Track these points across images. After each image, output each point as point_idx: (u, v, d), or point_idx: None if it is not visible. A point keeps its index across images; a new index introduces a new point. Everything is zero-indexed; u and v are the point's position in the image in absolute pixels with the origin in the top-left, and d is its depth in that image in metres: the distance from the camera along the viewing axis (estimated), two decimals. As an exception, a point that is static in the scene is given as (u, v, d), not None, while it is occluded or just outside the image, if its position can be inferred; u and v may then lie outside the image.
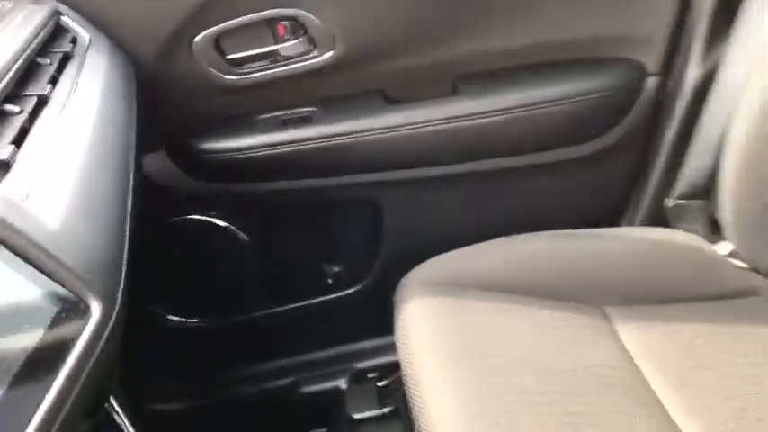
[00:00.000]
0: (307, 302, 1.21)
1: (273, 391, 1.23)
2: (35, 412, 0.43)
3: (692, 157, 1.04)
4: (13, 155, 0.55)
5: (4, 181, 0.52)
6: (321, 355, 1.25)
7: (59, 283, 0.48)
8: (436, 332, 0.90)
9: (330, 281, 1.22)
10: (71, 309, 0.49)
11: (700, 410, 0.81)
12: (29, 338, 0.47)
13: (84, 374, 0.47)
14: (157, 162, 1.06)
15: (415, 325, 0.92)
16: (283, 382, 1.24)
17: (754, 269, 1.01)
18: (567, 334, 0.92)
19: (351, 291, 1.20)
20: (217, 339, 1.21)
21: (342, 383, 1.21)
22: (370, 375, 1.21)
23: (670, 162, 1.09)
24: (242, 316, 1.19)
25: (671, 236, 1.07)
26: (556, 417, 0.79)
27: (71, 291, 0.49)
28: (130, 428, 0.60)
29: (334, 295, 1.21)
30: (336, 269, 1.22)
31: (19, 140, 0.57)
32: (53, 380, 0.45)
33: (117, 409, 0.58)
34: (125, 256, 0.55)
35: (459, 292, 0.96)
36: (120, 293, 0.52)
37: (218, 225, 1.12)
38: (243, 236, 1.13)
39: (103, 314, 0.49)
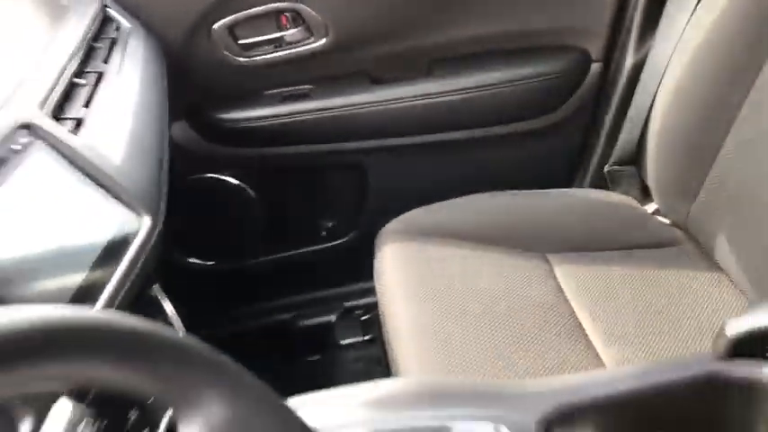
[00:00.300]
0: (304, 251, 1.41)
1: (276, 325, 1.44)
2: (104, 290, 0.65)
3: (625, 130, 1.24)
4: (85, 114, 0.77)
5: (80, 132, 0.74)
6: (316, 295, 1.46)
7: (122, 202, 0.70)
8: (405, 271, 1.10)
9: (324, 233, 1.43)
10: (128, 222, 0.71)
11: (614, 337, 1.00)
12: (101, 239, 0.68)
13: (139, 264, 0.68)
14: (181, 129, 1.27)
15: (389, 265, 1.13)
16: (284, 317, 1.44)
17: (675, 224, 1.21)
18: (512, 274, 1.11)
19: (340, 241, 1.41)
20: (229, 279, 1.41)
21: (333, 318, 1.43)
22: (356, 312, 1.42)
23: (610, 135, 1.29)
24: (250, 260, 1.40)
25: (607, 196, 1.27)
26: (494, 333, 1.00)
27: (129, 208, 0.70)
28: (170, 307, 0.81)
29: (326, 245, 1.41)
30: (329, 223, 1.43)
31: (87, 104, 0.79)
32: (117, 266, 0.67)
33: (160, 291, 0.80)
34: (164, 186, 0.77)
35: (426, 240, 1.15)
36: (161, 211, 0.73)
37: (230, 183, 1.32)
38: (251, 192, 1.34)
39: (152, 224, 0.70)
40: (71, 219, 0.68)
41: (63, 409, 0.40)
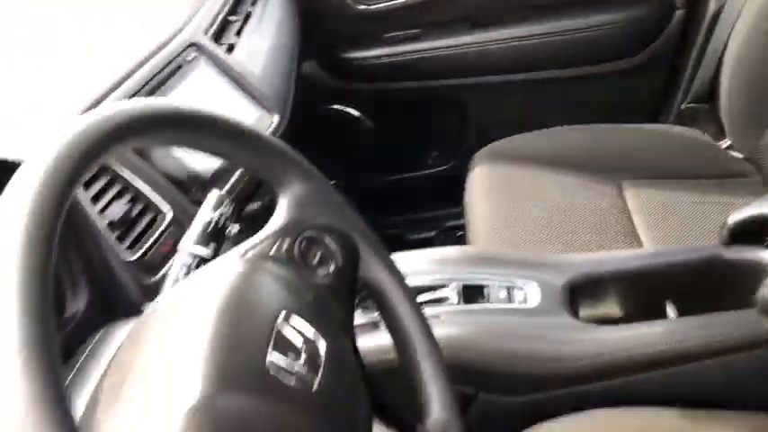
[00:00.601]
0: (411, 175, 1.64)
1: (385, 239, 1.67)
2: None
3: (702, 70, 1.35)
4: (236, 41, 1.03)
5: (233, 53, 1.01)
6: (420, 215, 1.69)
7: (259, 103, 0.96)
8: (488, 187, 1.29)
9: (429, 161, 1.65)
10: (263, 118, 0.97)
11: (665, 244, 1.15)
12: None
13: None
14: (312, 67, 1.52)
15: (476, 182, 1.32)
16: (393, 232, 1.69)
17: (747, 159, 1.31)
18: (584, 192, 1.26)
19: (443, 168, 1.62)
20: (346, 197, 1.66)
21: (433, 234, 1.65)
22: (454, 231, 1.64)
23: (690, 75, 1.40)
24: (365, 182, 1.65)
25: (684, 131, 1.38)
26: (554, 230, 1.16)
27: (265, 108, 0.96)
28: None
29: (431, 171, 1.64)
30: (434, 153, 1.64)
31: (238, 34, 1.06)
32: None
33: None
34: (290, 96, 1.03)
35: (511, 164, 1.33)
36: (287, 113, 0.99)
37: (351, 113, 1.57)
38: (368, 123, 1.58)
39: (279, 119, 0.96)
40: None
41: (213, 194, 0.66)
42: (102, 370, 0.48)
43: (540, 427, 0.81)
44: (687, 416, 0.79)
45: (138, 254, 0.73)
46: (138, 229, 0.75)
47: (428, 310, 0.90)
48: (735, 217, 0.87)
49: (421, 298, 0.91)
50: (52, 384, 0.33)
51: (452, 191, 1.52)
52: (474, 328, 0.85)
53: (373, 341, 0.84)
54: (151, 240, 0.75)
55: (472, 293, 0.91)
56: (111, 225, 0.73)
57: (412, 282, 0.92)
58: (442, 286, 0.92)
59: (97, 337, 0.60)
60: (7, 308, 0.34)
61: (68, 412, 0.33)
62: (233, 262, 0.53)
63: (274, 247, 0.55)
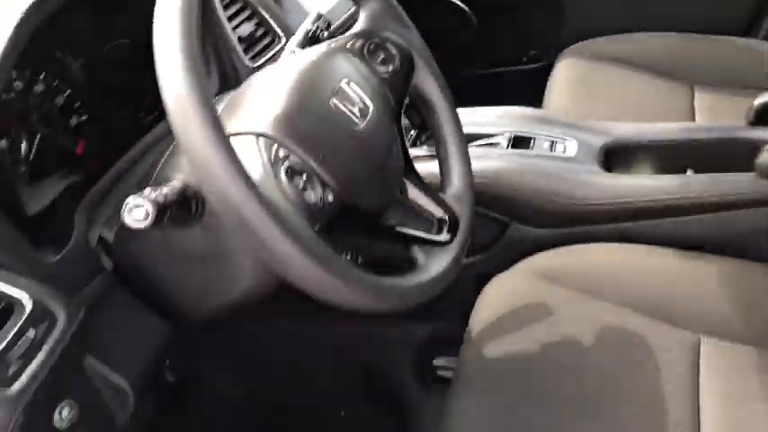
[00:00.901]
0: (506, 70, 1.79)
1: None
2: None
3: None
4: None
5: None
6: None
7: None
8: (566, 82, 1.43)
9: (525, 58, 1.79)
10: None
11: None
12: None
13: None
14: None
15: (558, 75, 1.47)
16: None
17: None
18: (657, 92, 1.37)
19: (537, 66, 1.76)
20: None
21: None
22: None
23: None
24: (463, 70, 1.80)
25: (762, 45, 1.45)
26: (615, 111, 1.30)
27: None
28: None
29: (526, 67, 1.78)
30: (532, 51, 1.78)
31: None
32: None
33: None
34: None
35: (593, 62, 1.45)
36: None
37: (458, 5, 1.72)
38: (473, 17, 1.73)
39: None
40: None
41: (314, 13, 0.87)
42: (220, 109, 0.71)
43: (548, 253, 0.99)
44: (678, 255, 0.94)
45: (258, 63, 0.96)
46: (260, 45, 0.98)
47: (478, 150, 1.08)
48: (760, 99, 0.99)
49: (475, 143, 1.09)
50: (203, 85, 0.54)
51: (543, 88, 1.67)
52: (514, 165, 1.03)
53: (430, 168, 1.04)
54: (268, 55, 0.98)
55: (520, 142, 1.08)
56: (240, 39, 0.96)
57: (469, 130, 1.11)
58: (496, 135, 1.10)
59: (215, 99, 0.84)
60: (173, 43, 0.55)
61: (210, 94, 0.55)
62: (318, 47, 0.74)
63: (349, 44, 0.75)
